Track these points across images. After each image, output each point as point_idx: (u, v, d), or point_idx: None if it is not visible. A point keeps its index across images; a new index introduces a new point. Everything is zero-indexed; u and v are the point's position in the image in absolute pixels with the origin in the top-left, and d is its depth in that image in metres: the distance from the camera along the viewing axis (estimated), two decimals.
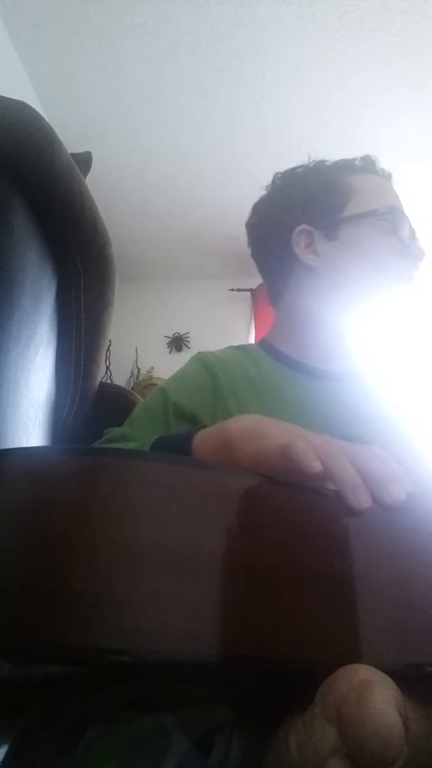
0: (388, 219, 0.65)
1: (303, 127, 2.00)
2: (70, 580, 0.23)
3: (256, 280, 2.95)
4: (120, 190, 2.41)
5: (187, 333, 3.18)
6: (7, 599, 0.23)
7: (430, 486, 0.51)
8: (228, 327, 3.08)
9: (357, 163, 0.71)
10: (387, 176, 0.72)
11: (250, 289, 3.05)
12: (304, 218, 0.68)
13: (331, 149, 0.86)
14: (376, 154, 0.72)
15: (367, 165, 0.71)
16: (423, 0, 1.51)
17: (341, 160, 0.71)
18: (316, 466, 0.30)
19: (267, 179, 0.76)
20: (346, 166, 0.70)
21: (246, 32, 1.63)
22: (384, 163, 0.72)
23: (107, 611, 0.22)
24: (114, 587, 0.23)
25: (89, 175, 0.74)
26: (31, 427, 0.64)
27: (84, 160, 0.73)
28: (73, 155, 0.65)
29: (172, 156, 2.20)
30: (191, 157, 2.19)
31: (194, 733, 0.29)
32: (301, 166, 0.73)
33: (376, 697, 0.21)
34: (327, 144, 2.03)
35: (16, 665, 0.35)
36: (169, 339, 3.19)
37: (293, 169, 0.73)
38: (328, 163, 0.72)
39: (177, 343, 3.18)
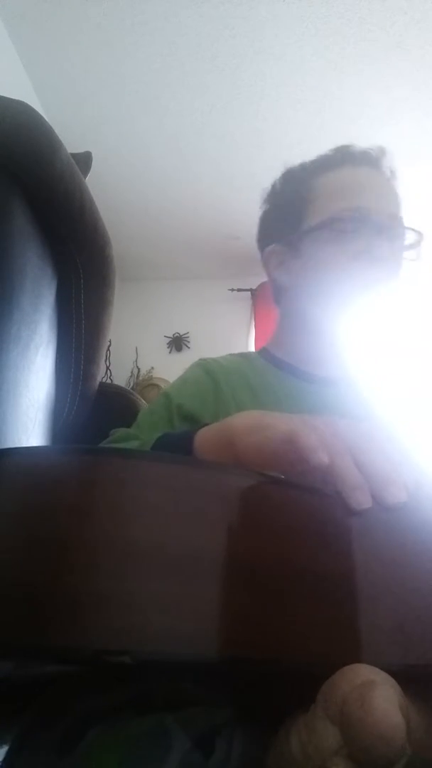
0: (345, 221, 0.60)
1: (303, 127, 2.00)
2: (70, 581, 0.23)
3: (256, 280, 2.95)
4: (120, 190, 2.41)
5: (187, 333, 3.18)
6: (6, 599, 0.23)
7: (430, 487, 0.51)
8: (228, 327, 3.08)
9: (327, 158, 0.67)
10: (368, 161, 0.65)
11: (250, 289, 3.05)
12: (276, 236, 0.68)
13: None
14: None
15: (338, 157, 0.66)
16: (423, 0, 1.51)
17: (309, 161, 0.69)
18: (322, 457, 0.30)
19: (267, 179, 0.76)
20: (312, 169, 0.67)
21: (246, 32, 1.62)
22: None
23: (107, 612, 0.22)
24: (114, 588, 0.23)
25: (89, 175, 0.74)
26: (31, 427, 0.64)
27: (84, 160, 0.73)
28: (73, 155, 0.65)
29: (172, 156, 2.20)
30: (191, 157, 2.19)
31: (195, 732, 0.28)
32: (278, 178, 0.72)
33: (379, 696, 0.21)
34: (327, 144, 2.03)
35: (17, 665, 0.35)
36: (169, 339, 3.19)
37: (274, 183, 0.72)
38: (295, 169, 0.69)
39: (177, 343, 3.18)
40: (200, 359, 0.72)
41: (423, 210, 2.34)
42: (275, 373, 0.67)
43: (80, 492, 0.25)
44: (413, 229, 0.64)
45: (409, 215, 0.67)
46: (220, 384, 0.65)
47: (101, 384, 0.84)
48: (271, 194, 0.71)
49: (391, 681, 0.23)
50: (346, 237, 0.61)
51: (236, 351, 0.77)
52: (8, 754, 0.32)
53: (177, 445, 0.43)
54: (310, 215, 0.64)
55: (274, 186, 0.71)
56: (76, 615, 0.22)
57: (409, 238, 0.64)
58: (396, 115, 1.91)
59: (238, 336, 3.06)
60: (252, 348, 2.95)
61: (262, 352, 0.74)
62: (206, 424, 0.43)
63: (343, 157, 0.66)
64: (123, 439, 0.60)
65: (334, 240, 0.61)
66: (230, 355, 0.75)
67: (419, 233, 0.64)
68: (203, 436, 0.41)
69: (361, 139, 0.69)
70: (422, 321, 2.76)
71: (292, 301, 0.69)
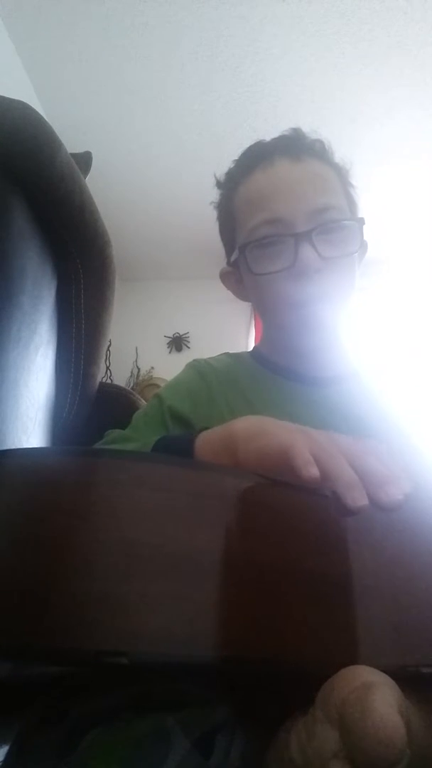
0: (264, 239, 0.56)
1: (303, 127, 1.99)
2: (68, 582, 0.23)
3: None
4: (120, 190, 2.41)
5: (187, 333, 3.18)
6: (5, 600, 0.23)
7: (430, 487, 0.51)
8: (228, 327, 3.08)
9: (241, 163, 0.63)
10: (282, 152, 0.59)
11: None
12: (227, 254, 0.68)
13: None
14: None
15: (250, 158, 0.61)
16: (423, 0, 1.50)
17: (231, 167, 0.66)
18: (313, 472, 0.30)
19: None
20: (231, 180, 0.64)
21: (246, 32, 1.62)
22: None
23: (105, 613, 0.22)
24: (112, 589, 0.23)
25: (89, 175, 0.74)
26: (31, 427, 0.64)
27: (84, 160, 0.73)
28: (73, 155, 0.65)
29: (172, 156, 2.20)
30: (191, 157, 2.19)
31: (195, 733, 0.28)
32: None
33: (378, 699, 0.21)
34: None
35: (16, 666, 0.35)
36: (169, 339, 3.19)
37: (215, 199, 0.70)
38: (222, 181, 0.67)
39: (177, 343, 3.17)
40: (194, 360, 0.71)
41: (423, 210, 2.35)
42: (271, 379, 0.66)
43: (79, 493, 0.25)
44: (348, 219, 0.57)
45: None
46: (213, 387, 0.64)
47: (101, 384, 0.84)
48: (216, 211, 0.70)
49: (391, 682, 0.23)
50: (270, 254, 0.56)
51: (237, 351, 0.77)
52: (8, 756, 0.32)
53: (178, 447, 0.43)
54: (239, 234, 0.61)
55: (216, 203, 0.70)
56: (74, 616, 0.22)
57: (347, 227, 0.57)
58: (396, 115, 1.91)
59: (238, 336, 3.06)
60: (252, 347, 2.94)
61: (254, 352, 0.73)
62: (206, 428, 0.43)
63: (254, 159, 0.61)
64: (118, 440, 0.59)
65: (260, 259, 0.57)
66: (224, 355, 0.74)
67: (358, 220, 0.58)
68: (204, 440, 0.41)
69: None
70: (419, 318, 2.76)
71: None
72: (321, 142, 0.64)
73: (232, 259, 0.64)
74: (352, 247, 0.57)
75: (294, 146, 0.60)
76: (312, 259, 0.54)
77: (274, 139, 0.64)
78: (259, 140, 0.65)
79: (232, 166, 0.67)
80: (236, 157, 0.68)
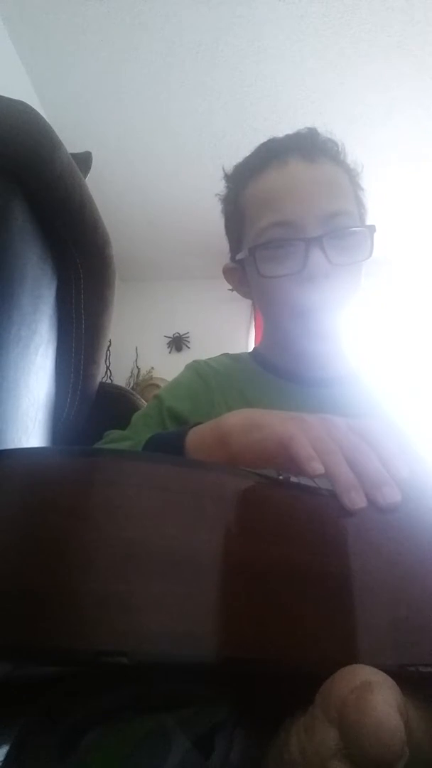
0: (273, 241, 0.55)
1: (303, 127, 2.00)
2: (67, 582, 0.23)
3: None
4: (120, 190, 2.41)
5: (187, 333, 3.18)
6: (5, 600, 0.23)
7: (428, 486, 0.51)
8: (228, 327, 3.08)
9: (253, 160, 0.62)
10: (296, 152, 0.58)
11: None
12: (232, 251, 0.67)
13: None
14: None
15: (263, 157, 0.61)
16: (423, 0, 1.50)
17: (241, 163, 0.65)
18: (318, 468, 0.30)
19: None
20: (242, 177, 0.63)
21: (246, 32, 1.62)
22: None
23: (105, 613, 0.22)
24: (111, 589, 0.23)
25: (89, 175, 0.74)
26: (31, 427, 0.64)
27: (84, 160, 0.73)
28: (73, 155, 0.65)
29: (172, 156, 2.20)
30: (191, 157, 2.19)
31: (195, 732, 0.28)
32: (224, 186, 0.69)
33: (377, 698, 0.21)
34: None
35: (16, 666, 0.35)
36: (169, 339, 3.19)
37: (221, 192, 0.70)
38: (232, 176, 0.67)
39: (177, 343, 3.17)
40: (194, 361, 0.71)
41: (423, 210, 2.35)
42: (271, 380, 0.66)
43: (78, 493, 0.25)
44: (359, 227, 0.57)
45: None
46: (213, 388, 0.64)
47: (101, 384, 0.84)
48: (222, 205, 0.69)
49: (390, 681, 0.23)
50: (279, 256, 0.56)
51: (237, 351, 0.77)
52: (8, 756, 0.32)
53: (169, 444, 0.43)
54: (247, 232, 0.61)
55: (222, 196, 0.69)
56: (73, 616, 0.22)
57: (358, 234, 0.57)
58: (396, 115, 1.91)
59: (238, 336, 3.06)
60: (252, 348, 2.94)
61: (254, 353, 0.73)
62: (197, 423, 0.43)
63: (267, 157, 0.60)
64: (116, 440, 0.59)
65: (269, 261, 0.56)
66: (224, 356, 0.73)
67: (369, 228, 0.58)
68: (195, 435, 0.41)
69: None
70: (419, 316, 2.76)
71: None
72: (335, 143, 0.63)
73: (239, 257, 0.63)
74: (362, 254, 0.57)
75: (309, 147, 0.60)
76: (322, 265, 0.54)
77: (289, 137, 0.63)
78: (273, 137, 0.64)
79: (241, 160, 0.66)
80: (236, 156, 0.68)
